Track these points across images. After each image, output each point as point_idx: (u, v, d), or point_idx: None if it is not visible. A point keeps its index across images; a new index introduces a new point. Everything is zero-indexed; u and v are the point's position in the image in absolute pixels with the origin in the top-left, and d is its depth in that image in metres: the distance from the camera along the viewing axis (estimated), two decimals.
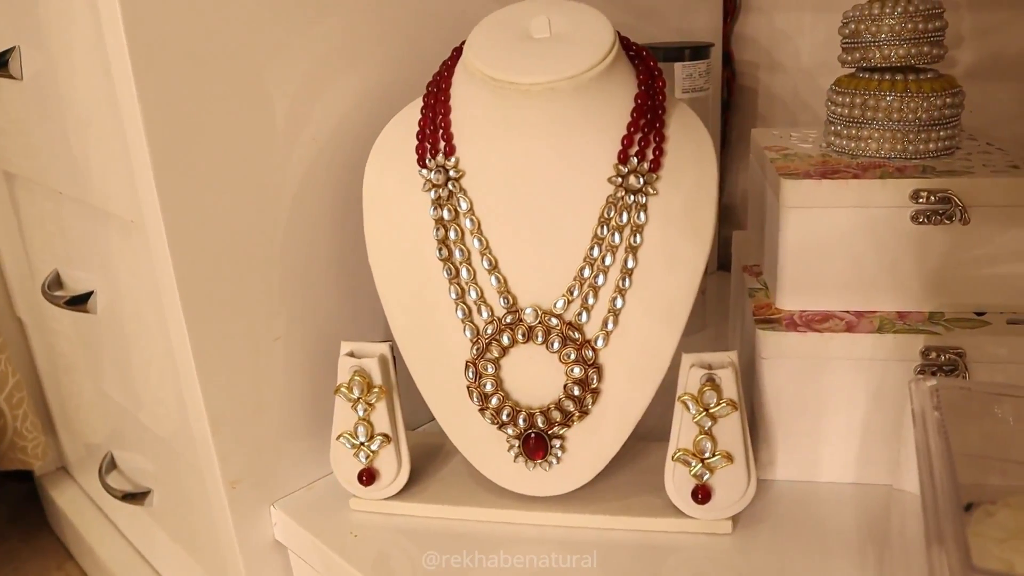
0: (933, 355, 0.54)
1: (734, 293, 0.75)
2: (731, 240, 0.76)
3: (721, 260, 0.96)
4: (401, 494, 0.60)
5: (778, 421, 0.59)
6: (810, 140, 0.68)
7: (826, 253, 0.57)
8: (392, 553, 0.56)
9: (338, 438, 0.58)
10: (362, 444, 0.57)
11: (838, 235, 0.57)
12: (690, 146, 0.52)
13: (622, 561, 0.53)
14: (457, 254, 0.53)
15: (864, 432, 0.58)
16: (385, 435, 0.57)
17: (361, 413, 0.57)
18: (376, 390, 0.56)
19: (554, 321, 0.52)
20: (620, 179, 0.51)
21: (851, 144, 0.61)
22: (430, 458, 0.64)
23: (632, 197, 0.51)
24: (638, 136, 0.51)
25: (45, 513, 1.27)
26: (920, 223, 0.55)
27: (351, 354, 0.58)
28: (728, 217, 0.99)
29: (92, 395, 1.00)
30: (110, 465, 1.01)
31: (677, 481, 0.54)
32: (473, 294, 0.53)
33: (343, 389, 0.57)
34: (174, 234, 0.53)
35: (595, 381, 0.53)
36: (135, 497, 0.95)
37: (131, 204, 0.59)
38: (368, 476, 0.58)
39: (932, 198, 0.54)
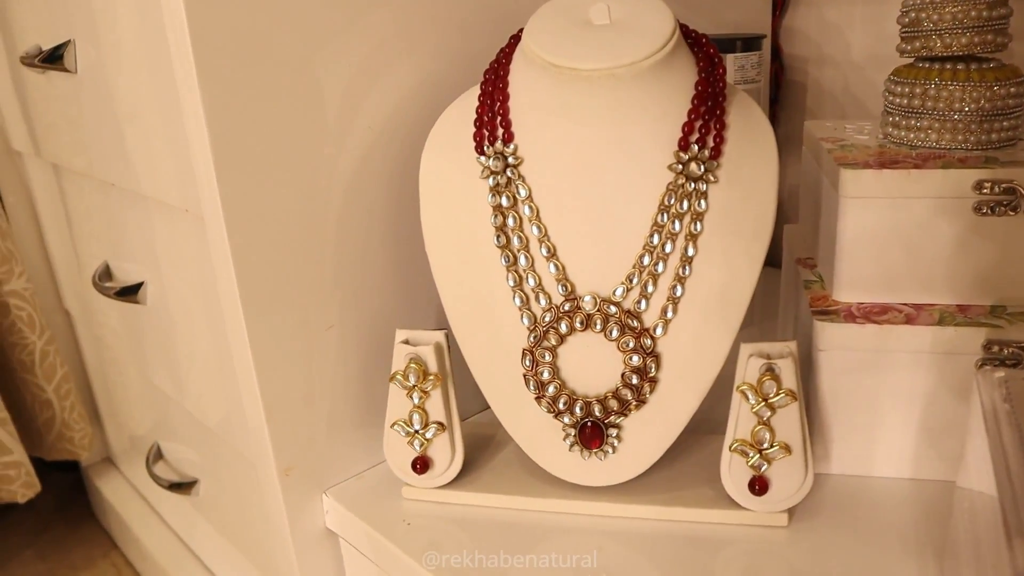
0: (996, 349, 0.53)
1: (785, 287, 0.74)
2: (781, 235, 0.76)
3: (769, 256, 0.95)
4: (454, 483, 0.60)
5: (834, 414, 0.58)
6: (866, 132, 0.67)
7: (885, 244, 0.57)
8: (445, 542, 0.56)
9: (393, 426, 0.58)
10: (416, 432, 0.58)
11: (898, 226, 0.56)
12: (751, 134, 0.52)
13: (675, 553, 0.53)
14: (515, 241, 0.53)
15: (922, 427, 0.57)
16: (439, 423, 0.57)
17: (416, 401, 0.57)
18: (432, 378, 0.56)
19: (613, 309, 0.52)
20: (680, 166, 0.50)
21: (910, 135, 0.60)
22: (482, 448, 0.64)
23: (692, 184, 0.50)
24: (699, 123, 0.51)
25: (91, 503, 1.29)
26: (983, 214, 0.54)
27: (406, 342, 0.58)
28: (779, 212, 0.97)
29: (139, 386, 1.01)
30: (156, 455, 1.02)
31: (734, 472, 0.54)
32: (531, 282, 0.53)
33: (398, 376, 0.57)
34: (233, 224, 0.54)
35: (653, 370, 0.52)
36: (181, 487, 0.96)
37: (187, 194, 0.60)
38: (422, 464, 0.58)
39: (996, 188, 0.54)
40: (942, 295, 0.57)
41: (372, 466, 0.65)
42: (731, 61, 0.73)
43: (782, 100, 0.94)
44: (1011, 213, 0.54)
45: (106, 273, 0.90)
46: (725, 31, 0.82)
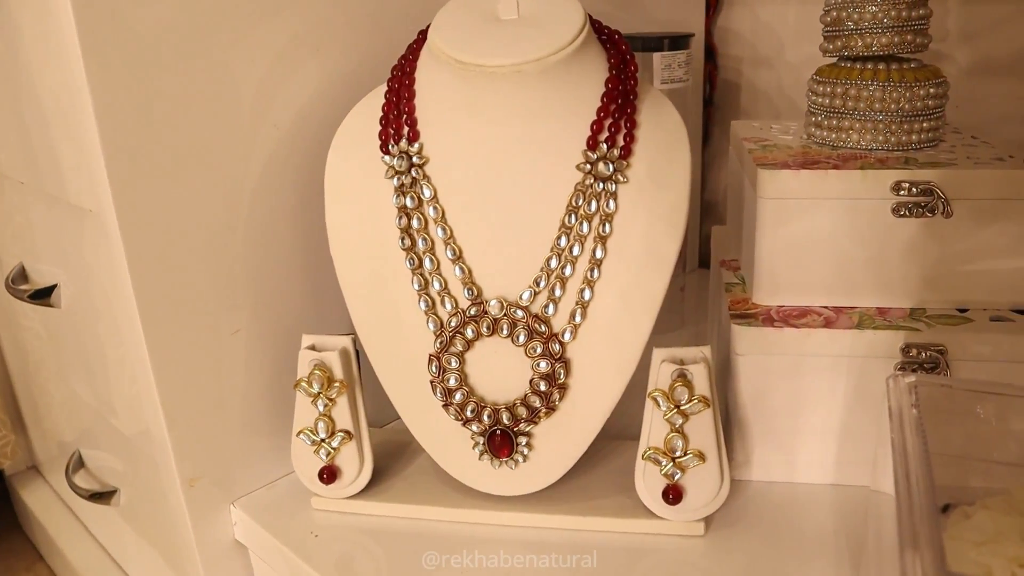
0: (914, 352, 0.53)
1: (713, 289, 0.73)
2: (711, 237, 0.75)
3: (702, 257, 0.94)
4: (364, 493, 0.58)
5: (754, 420, 0.57)
6: (791, 132, 0.66)
7: (804, 247, 0.55)
8: (354, 554, 0.54)
9: (298, 434, 0.56)
10: (323, 441, 0.55)
11: (817, 228, 0.55)
12: (663, 132, 0.50)
13: (591, 563, 0.51)
14: (420, 244, 0.51)
15: (842, 432, 0.56)
16: (346, 431, 0.55)
17: (321, 408, 0.55)
18: (337, 385, 0.54)
19: (520, 313, 0.50)
20: (589, 166, 0.49)
21: (832, 135, 0.59)
22: (395, 456, 0.62)
23: (601, 185, 0.49)
24: (608, 121, 0.49)
25: (16, 513, 1.25)
26: (901, 216, 0.53)
27: (312, 347, 0.56)
28: (710, 214, 0.97)
29: (61, 393, 0.97)
30: (77, 464, 0.99)
31: (648, 480, 0.52)
32: (436, 285, 0.51)
33: (303, 383, 0.55)
34: (127, 223, 0.51)
35: (562, 376, 0.51)
36: (102, 496, 0.92)
37: (89, 192, 0.57)
38: (329, 474, 0.56)
39: (914, 190, 0.53)
40: (862, 298, 0.56)
41: (284, 475, 0.63)
42: (657, 60, 0.71)
43: (717, 101, 0.93)
44: (929, 215, 0.53)
45: (21, 275, 0.86)
46: (656, 30, 0.81)
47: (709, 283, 0.75)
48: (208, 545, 0.60)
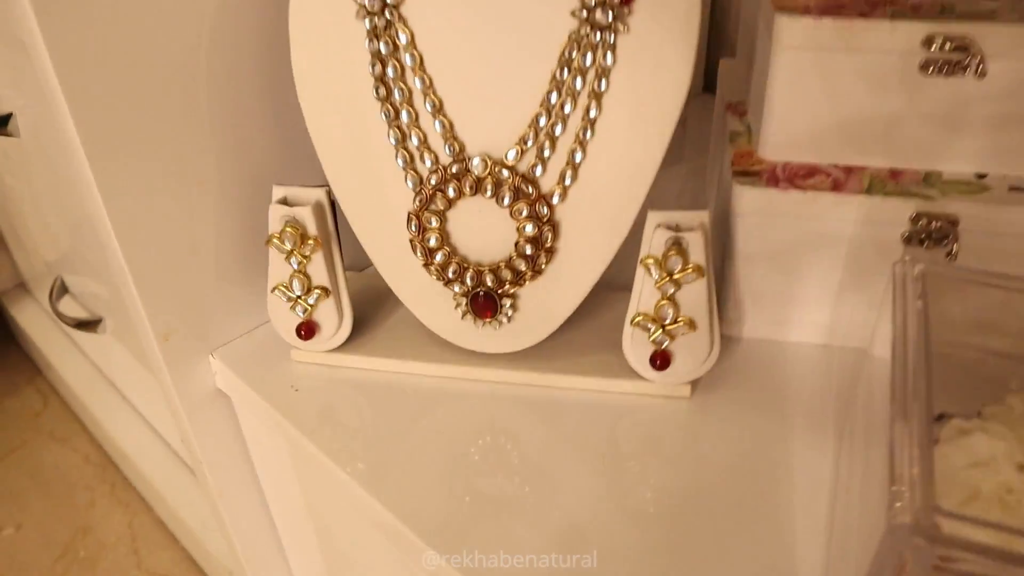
0: (923, 222, 0.49)
1: (716, 131, 0.68)
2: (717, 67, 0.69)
3: (707, 82, 0.88)
4: (344, 346, 0.56)
5: (750, 279, 0.55)
6: None
7: (820, 101, 0.51)
8: (335, 408, 0.54)
9: (273, 290, 0.54)
10: (299, 298, 0.53)
11: (835, 81, 0.50)
12: None
13: (573, 421, 0.51)
14: (396, 94, 0.46)
15: (840, 295, 0.54)
16: (323, 288, 0.53)
17: (295, 266, 0.52)
18: (311, 242, 0.51)
19: (505, 173, 0.46)
20: (585, 12, 0.43)
21: None
22: (377, 304, 0.60)
23: (599, 35, 0.43)
24: None
25: (11, 330, 1.26)
26: (930, 73, 0.48)
27: (284, 201, 0.52)
28: (718, 38, 0.89)
29: (35, 221, 0.95)
30: (61, 290, 0.98)
31: (635, 345, 0.51)
32: (415, 139, 0.47)
33: (275, 241, 0.52)
34: (62, 59, 0.46)
35: (549, 240, 0.48)
36: (87, 325, 0.92)
37: (21, 21, 0.51)
38: (307, 330, 0.54)
39: (948, 46, 0.47)
40: (876, 157, 0.52)
41: (264, 323, 0.61)
42: None
43: None
44: (960, 73, 0.48)
45: None
46: None
47: (713, 115, 0.70)
48: (189, 394, 0.60)
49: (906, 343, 0.38)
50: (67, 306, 0.99)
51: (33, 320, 1.16)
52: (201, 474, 0.66)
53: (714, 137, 0.69)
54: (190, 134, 0.53)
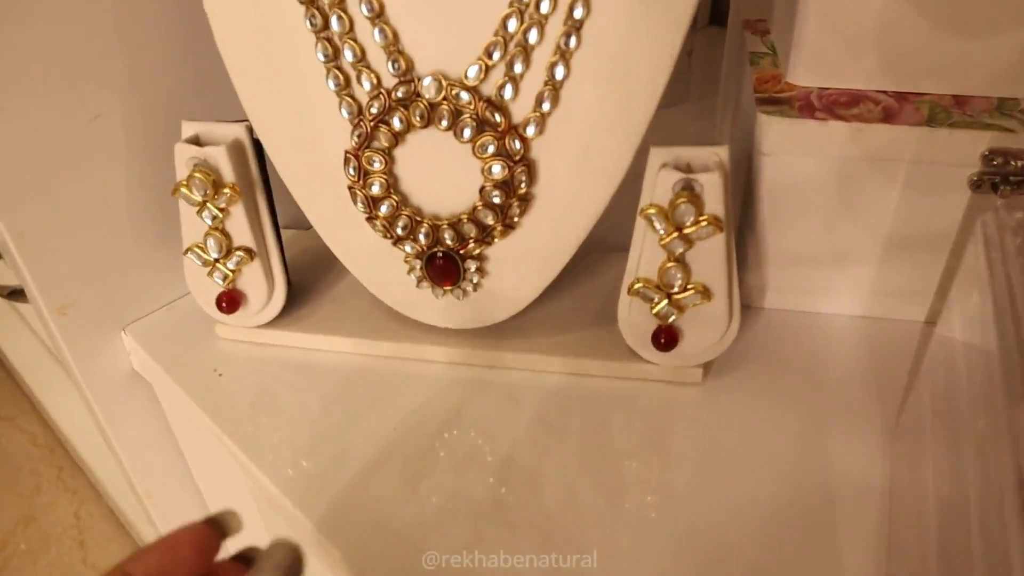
0: (999, 161, 0.39)
1: (729, 56, 0.57)
2: None
3: (714, 12, 0.77)
4: (279, 320, 0.46)
5: (776, 236, 0.44)
6: None
7: (863, 6, 0.40)
8: (268, 397, 0.43)
9: (186, 252, 0.43)
10: (216, 261, 0.43)
11: None
12: None
13: (556, 410, 0.41)
14: None
15: (886, 255, 0.44)
16: (246, 249, 0.43)
17: (210, 222, 0.42)
18: (227, 191, 0.41)
19: (465, 96, 0.36)
20: None
21: None
22: (323, 269, 0.50)
23: None
24: None
25: None
26: None
27: (195, 140, 0.41)
28: None
29: None
30: None
31: (634, 319, 0.40)
32: (349, 55, 0.36)
33: (183, 189, 0.41)
34: None
35: (524, 184, 0.37)
36: (19, 294, 0.82)
37: None
38: (230, 301, 0.44)
39: None
40: (936, 80, 0.41)
41: (186, 293, 0.51)
42: None
43: None
44: None
45: None
46: None
47: (724, 47, 0.59)
48: (97, 378, 0.50)
49: (1016, 315, 0.28)
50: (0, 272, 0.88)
51: None
52: (122, 470, 0.56)
53: (727, 63, 0.58)
54: (80, 55, 0.42)
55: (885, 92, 0.42)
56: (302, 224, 0.51)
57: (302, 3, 0.36)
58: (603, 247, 0.45)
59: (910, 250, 0.43)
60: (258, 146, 0.42)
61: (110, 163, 0.45)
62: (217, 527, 0.25)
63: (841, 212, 0.43)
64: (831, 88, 0.43)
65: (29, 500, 0.95)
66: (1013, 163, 0.39)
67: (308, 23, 0.36)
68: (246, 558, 0.25)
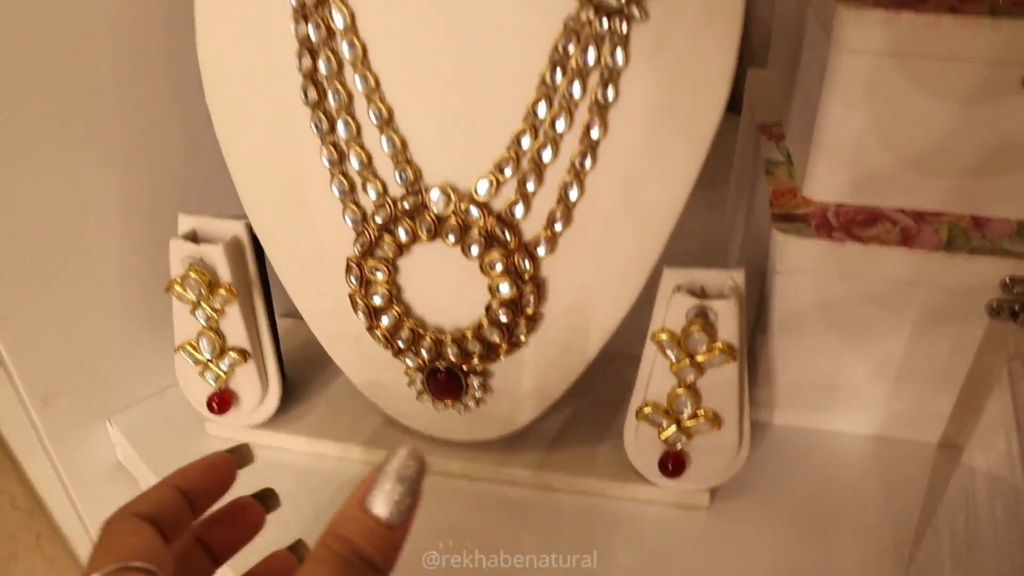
0: (1018, 289, 0.38)
1: (741, 155, 0.56)
2: (742, 79, 0.57)
3: (732, 98, 0.76)
4: (273, 420, 0.44)
5: (788, 351, 0.43)
6: None
7: (889, 123, 0.39)
8: None
9: (178, 351, 0.42)
10: (208, 362, 0.41)
11: (910, 96, 0.38)
12: None
13: (555, 530, 0.39)
14: (331, 98, 0.35)
15: (901, 376, 0.42)
16: (240, 350, 0.41)
17: (203, 322, 0.40)
18: (223, 291, 0.39)
19: (475, 212, 0.34)
20: None
21: None
22: (320, 364, 0.48)
23: (605, 22, 0.31)
24: None
25: None
26: None
27: (192, 235, 0.40)
28: (744, 47, 0.77)
29: None
30: None
31: (641, 444, 0.38)
32: (355, 161, 0.35)
33: (176, 287, 0.40)
34: None
35: (532, 304, 0.36)
36: None
37: None
38: (221, 402, 0.42)
39: None
40: (957, 200, 0.40)
41: (175, 383, 0.49)
42: None
43: None
44: None
45: None
46: None
47: (738, 136, 0.58)
48: (80, 466, 0.48)
49: None
50: None
51: None
52: None
53: (739, 163, 0.57)
54: (80, 143, 0.41)
55: (903, 210, 0.41)
56: (299, 313, 0.49)
57: (308, 105, 0.35)
58: (609, 352, 0.44)
59: (925, 372, 0.42)
60: (257, 243, 0.40)
61: (104, 251, 0.43)
62: (237, 457, 0.29)
63: (855, 331, 0.41)
64: (849, 204, 0.42)
65: (3, 567, 0.92)
66: None
67: (314, 127, 0.35)
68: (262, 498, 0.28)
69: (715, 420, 0.36)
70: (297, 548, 0.28)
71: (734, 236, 0.56)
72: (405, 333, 0.38)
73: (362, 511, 0.22)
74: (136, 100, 0.42)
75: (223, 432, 0.45)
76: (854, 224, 0.40)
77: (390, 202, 0.35)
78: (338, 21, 0.33)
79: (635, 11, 0.31)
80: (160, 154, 0.44)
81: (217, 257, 0.39)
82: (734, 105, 0.70)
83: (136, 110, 0.42)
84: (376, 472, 0.23)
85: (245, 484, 0.42)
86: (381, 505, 0.22)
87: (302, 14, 0.34)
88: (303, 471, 0.43)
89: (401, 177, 0.35)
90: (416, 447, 0.25)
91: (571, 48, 0.32)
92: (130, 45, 0.41)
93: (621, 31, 0.32)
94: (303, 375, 0.47)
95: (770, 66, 0.57)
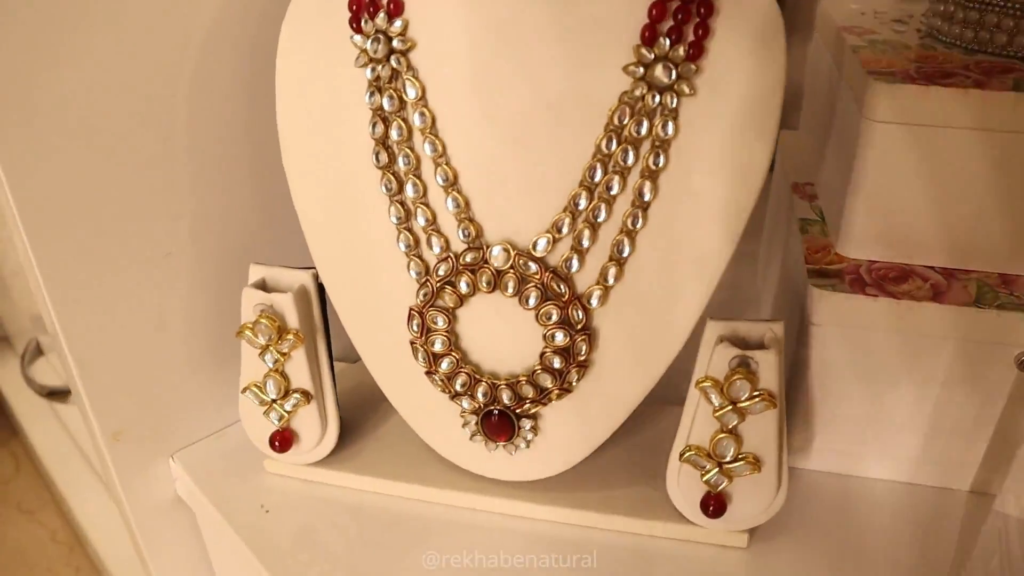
0: None
1: (774, 214, 0.59)
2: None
3: None
4: (329, 459, 0.47)
5: (823, 400, 0.45)
6: (898, 18, 0.50)
7: (918, 187, 0.41)
8: (313, 535, 0.44)
9: (244, 391, 0.44)
10: (274, 402, 0.44)
11: (940, 164, 0.41)
12: (748, 24, 0.35)
13: (598, 567, 0.41)
14: (401, 161, 0.38)
15: (933, 426, 0.44)
16: (304, 392, 0.44)
17: (271, 364, 0.43)
18: (291, 337, 0.42)
19: (532, 267, 0.37)
20: (643, 69, 0.34)
21: (969, 33, 0.44)
22: (371, 407, 0.50)
23: (658, 97, 0.34)
24: (674, 4, 0.34)
25: None
26: None
27: (262, 284, 0.43)
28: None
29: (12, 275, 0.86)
30: (35, 352, 0.89)
31: (684, 485, 0.41)
32: (421, 219, 0.38)
33: (247, 332, 0.42)
34: None
35: (584, 351, 0.38)
36: (59, 394, 0.83)
37: None
38: (283, 441, 0.45)
39: None
40: (984, 259, 0.43)
41: (236, 421, 0.52)
42: None
43: None
44: None
45: None
46: None
47: (770, 195, 0.61)
48: (141, 502, 0.50)
49: None
50: (42, 369, 0.90)
51: (10, 378, 1.07)
52: None
53: (771, 220, 0.60)
54: (158, 197, 0.44)
55: (933, 268, 0.43)
56: (350, 356, 0.52)
57: (379, 167, 0.38)
58: (652, 398, 0.46)
59: (956, 421, 0.44)
60: (322, 292, 0.43)
61: (177, 298, 0.46)
62: None
63: (888, 383, 0.43)
64: (881, 261, 0.44)
65: None
66: None
67: (384, 187, 0.38)
68: None
69: (756, 463, 0.38)
70: None
71: (766, 289, 0.58)
72: (462, 378, 0.40)
73: None
74: (220, 160, 0.45)
75: (282, 469, 0.47)
76: (886, 280, 0.42)
77: (453, 256, 0.38)
78: (411, 93, 0.37)
79: (685, 88, 0.34)
80: (234, 210, 0.47)
81: (286, 305, 0.42)
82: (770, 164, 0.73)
83: (214, 170, 0.45)
84: None
85: (305, 518, 0.44)
86: None
87: (377, 87, 0.37)
88: (356, 507, 0.45)
89: (464, 234, 0.37)
90: None
91: (626, 119, 0.35)
92: (213, 108, 0.44)
93: (671, 105, 0.34)
94: (354, 416, 0.50)
95: (801, 128, 0.60)
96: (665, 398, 0.41)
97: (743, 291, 0.63)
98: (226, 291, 0.47)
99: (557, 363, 0.38)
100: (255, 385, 0.44)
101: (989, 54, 0.43)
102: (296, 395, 0.43)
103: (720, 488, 0.40)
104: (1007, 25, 0.42)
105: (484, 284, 0.38)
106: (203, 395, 0.50)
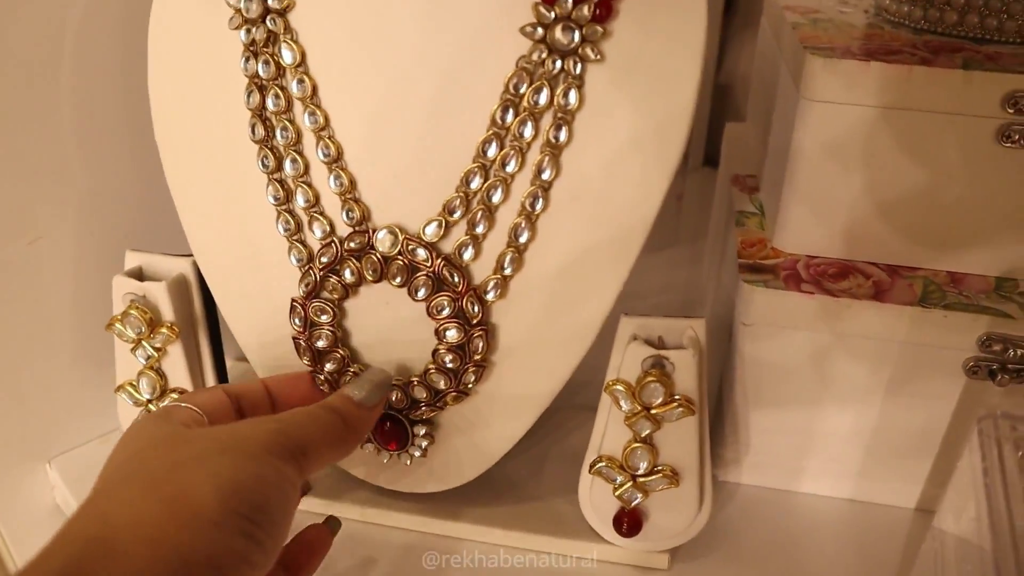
0: (997, 347, 0.36)
1: (717, 211, 0.55)
2: (721, 134, 0.56)
3: (708, 154, 0.76)
4: None
5: (755, 408, 0.41)
6: (852, 2, 0.47)
7: (861, 175, 0.38)
8: None
9: (118, 391, 0.40)
10: (148, 402, 0.39)
11: (882, 149, 0.37)
12: None
13: (590, 563, 0.38)
14: (279, 135, 0.33)
15: (875, 437, 0.40)
16: (182, 391, 0.39)
17: (144, 360, 0.39)
18: (164, 330, 0.38)
19: (422, 254, 0.33)
20: (541, 30, 0.30)
21: (917, 11, 0.41)
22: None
23: (559, 62, 0.30)
24: None
25: None
26: (1011, 143, 0.36)
27: (138, 272, 0.39)
28: (724, 102, 0.77)
29: None
30: None
31: (596, 500, 0.37)
32: (302, 199, 0.34)
33: (116, 325, 0.38)
34: None
35: (481, 349, 0.34)
36: None
37: None
38: None
39: None
40: (930, 256, 0.39)
41: (119, 427, 0.47)
42: None
43: None
44: None
45: None
46: None
47: (715, 192, 0.57)
48: (16, 510, 0.46)
49: (1014, 534, 0.24)
50: None
51: None
52: None
53: (715, 216, 0.56)
54: (33, 177, 0.40)
55: (877, 264, 0.40)
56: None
57: (255, 142, 0.34)
58: (575, 403, 0.42)
59: (902, 432, 0.40)
60: (204, 281, 0.39)
61: (50, 288, 0.42)
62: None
63: (826, 389, 0.40)
64: (820, 257, 0.40)
65: None
66: (1012, 351, 0.36)
67: (260, 164, 0.34)
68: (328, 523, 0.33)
69: (673, 477, 0.34)
70: (330, 523, 0.33)
71: (709, 289, 0.54)
72: (349, 378, 0.36)
73: (345, 397, 0.31)
74: (92, 136, 0.41)
75: None
76: (825, 277, 0.39)
77: (336, 241, 0.34)
78: (287, 58, 0.33)
79: (590, 52, 0.30)
80: (114, 191, 0.43)
81: (159, 295, 0.37)
82: (714, 159, 0.70)
83: (91, 146, 0.41)
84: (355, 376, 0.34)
85: None
86: (359, 393, 0.31)
87: (252, 51, 0.33)
88: None
89: (348, 216, 0.33)
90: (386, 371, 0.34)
91: (523, 88, 0.31)
92: (88, 80, 0.40)
93: (575, 71, 0.30)
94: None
95: (748, 119, 0.56)
96: (588, 405, 0.37)
97: (691, 294, 0.59)
98: (108, 283, 0.43)
99: (452, 362, 0.34)
100: (129, 384, 0.39)
101: (939, 34, 0.40)
102: (173, 395, 0.39)
103: (634, 504, 0.36)
104: (957, 2, 0.39)
105: (370, 272, 0.33)
106: (83, 396, 0.45)
